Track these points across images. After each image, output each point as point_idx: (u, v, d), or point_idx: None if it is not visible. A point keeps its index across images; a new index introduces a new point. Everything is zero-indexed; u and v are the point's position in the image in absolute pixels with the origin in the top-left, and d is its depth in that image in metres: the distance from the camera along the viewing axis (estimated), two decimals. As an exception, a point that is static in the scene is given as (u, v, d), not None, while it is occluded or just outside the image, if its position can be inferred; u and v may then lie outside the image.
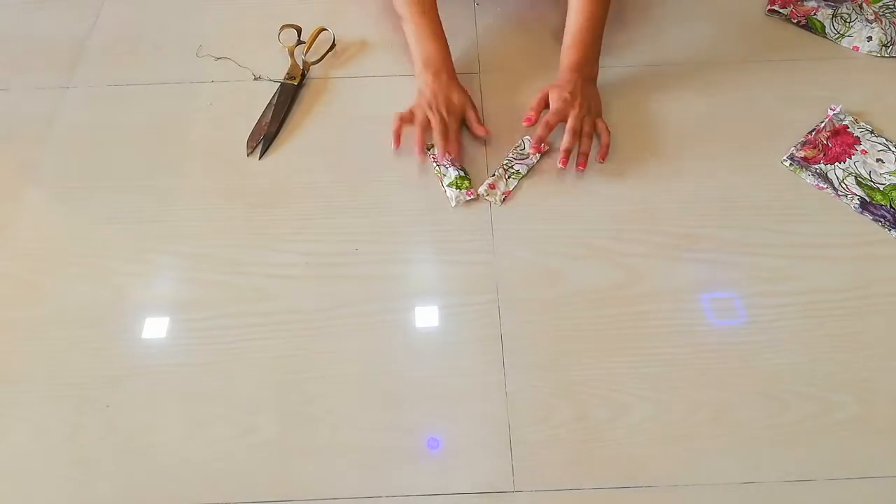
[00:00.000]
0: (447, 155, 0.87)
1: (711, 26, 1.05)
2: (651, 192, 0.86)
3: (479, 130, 0.90)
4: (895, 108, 0.93)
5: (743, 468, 0.67)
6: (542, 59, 1.00)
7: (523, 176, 0.88)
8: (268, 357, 0.74)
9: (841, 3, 1.02)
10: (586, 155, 0.88)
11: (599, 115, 0.92)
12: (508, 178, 0.87)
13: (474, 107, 0.93)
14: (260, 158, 0.91)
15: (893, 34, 0.99)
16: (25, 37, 1.07)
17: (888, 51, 0.99)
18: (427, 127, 0.88)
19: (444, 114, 0.89)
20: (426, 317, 0.77)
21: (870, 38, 0.99)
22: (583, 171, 0.87)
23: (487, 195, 0.85)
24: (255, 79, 0.99)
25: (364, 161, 0.90)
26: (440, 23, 0.94)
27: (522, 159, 0.88)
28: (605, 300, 0.77)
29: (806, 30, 1.03)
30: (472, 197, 0.85)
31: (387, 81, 0.99)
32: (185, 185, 0.88)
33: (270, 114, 0.94)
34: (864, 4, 1.02)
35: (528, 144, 0.90)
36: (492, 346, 0.74)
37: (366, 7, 1.08)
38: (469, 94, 0.93)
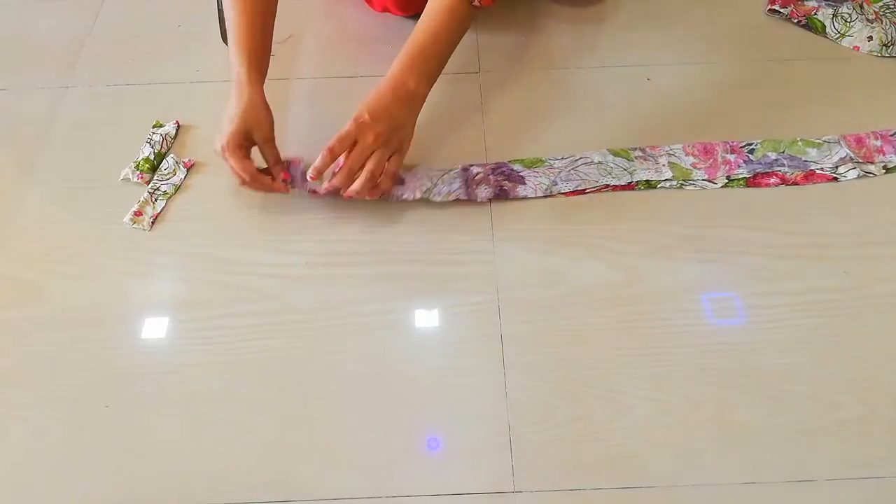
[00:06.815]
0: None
1: (711, 26, 1.04)
2: (651, 192, 0.86)
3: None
4: (895, 109, 0.93)
5: (743, 468, 0.67)
6: (543, 59, 1.00)
7: (171, 195, 0.86)
8: (268, 357, 0.74)
9: (841, 3, 1.02)
10: (353, 194, 0.77)
11: (399, 150, 0.78)
12: (155, 200, 0.84)
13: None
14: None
15: (894, 34, 0.99)
16: (25, 37, 1.07)
17: (888, 51, 0.99)
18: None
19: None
20: (426, 317, 0.77)
21: (870, 38, 0.99)
22: (348, 199, 0.78)
23: (134, 224, 0.83)
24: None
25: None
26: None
27: (168, 178, 0.86)
28: (605, 300, 0.77)
29: (806, 29, 1.03)
30: (139, 180, 0.85)
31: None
32: (184, 184, 0.88)
33: None
34: (864, 4, 1.02)
35: (173, 164, 0.86)
36: (492, 346, 0.74)
37: None
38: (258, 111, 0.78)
